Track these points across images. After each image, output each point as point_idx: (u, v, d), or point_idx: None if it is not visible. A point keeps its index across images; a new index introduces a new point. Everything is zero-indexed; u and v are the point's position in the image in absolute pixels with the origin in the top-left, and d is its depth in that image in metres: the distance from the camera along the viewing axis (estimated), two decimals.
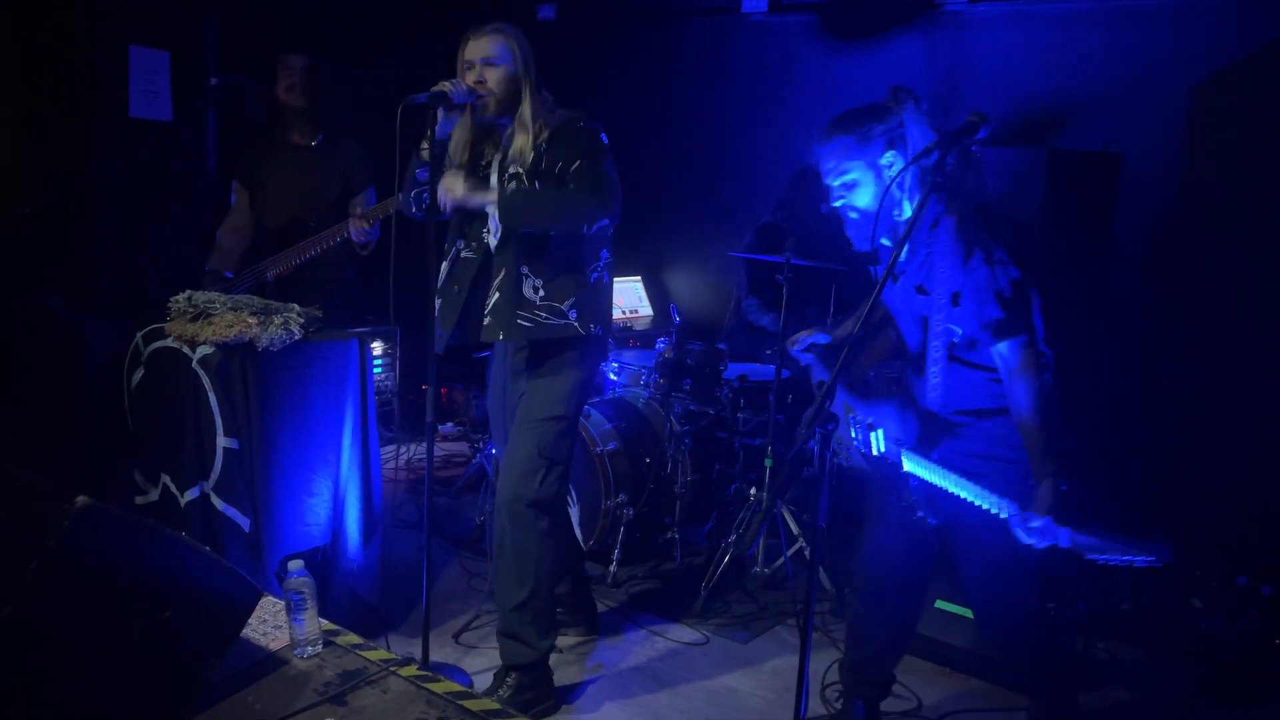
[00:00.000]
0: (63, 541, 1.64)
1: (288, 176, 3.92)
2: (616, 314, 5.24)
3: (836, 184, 2.41)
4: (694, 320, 5.14)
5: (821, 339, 2.80)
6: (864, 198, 2.38)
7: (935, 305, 2.33)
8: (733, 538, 3.87)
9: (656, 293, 5.72)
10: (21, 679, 1.67)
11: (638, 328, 5.41)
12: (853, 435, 2.59)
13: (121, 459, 3.18)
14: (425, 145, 2.82)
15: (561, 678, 3.10)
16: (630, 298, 5.50)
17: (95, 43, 4.15)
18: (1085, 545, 2.10)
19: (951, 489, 2.29)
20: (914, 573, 2.71)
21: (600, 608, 3.59)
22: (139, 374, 2.98)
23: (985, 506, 2.23)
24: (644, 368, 4.42)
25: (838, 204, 2.43)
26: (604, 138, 2.85)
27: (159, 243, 4.25)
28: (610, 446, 3.95)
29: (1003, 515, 2.20)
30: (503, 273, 2.88)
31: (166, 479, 2.91)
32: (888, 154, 2.36)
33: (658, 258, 5.79)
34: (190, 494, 2.84)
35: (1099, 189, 3.66)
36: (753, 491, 4.03)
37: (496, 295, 2.90)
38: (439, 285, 2.96)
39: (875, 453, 2.49)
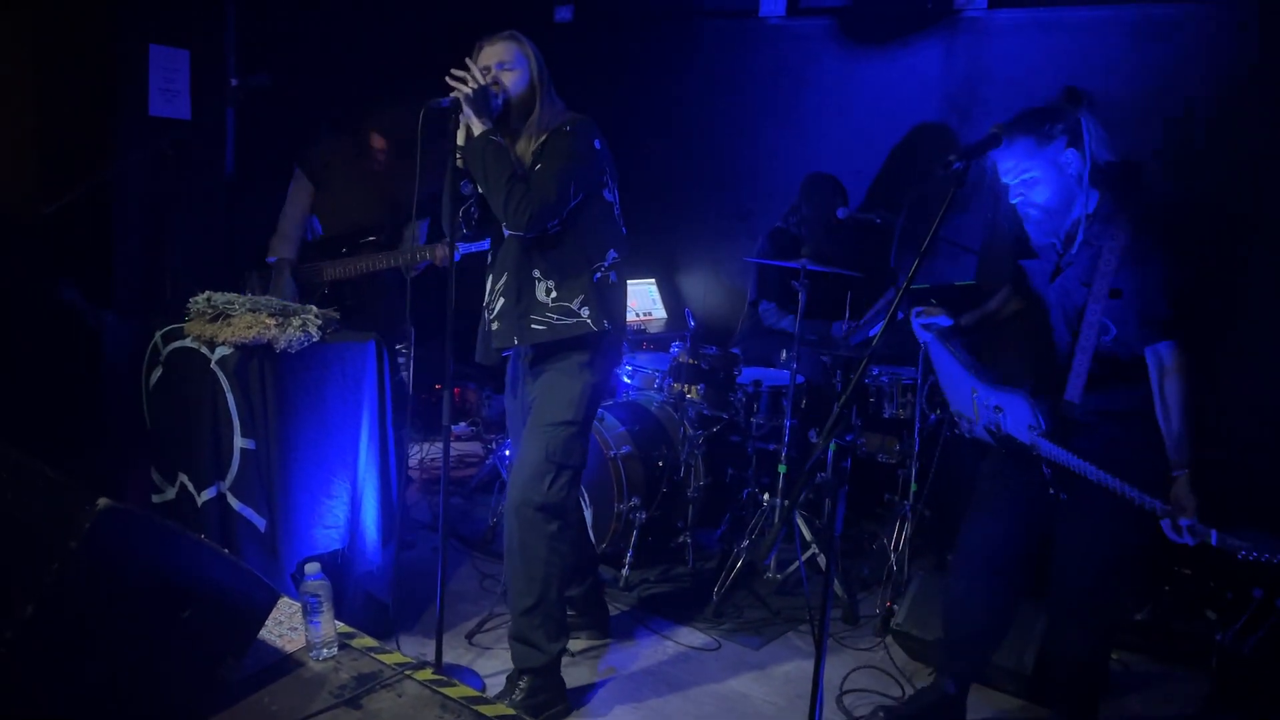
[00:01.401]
0: (85, 542, 1.65)
1: (364, 188, 3.92)
2: (631, 316, 5.24)
3: (1016, 182, 2.48)
4: (707, 323, 5.14)
5: (945, 321, 2.87)
6: (1044, 194, 2.46)
7: (1095, 298, 2.41)
8: (745, 543, 3.87)
9: (670, 295, 5.72)
10: (43, 678, 1.69)
11: (651, 330, 5.41)
12: (974, 414, 2.68)
13: (138, 457, 3.20)
14: (457, 156, 2.83)
15: (573, 681, 3.11)
16: (644, 300, 5.50)
17: (116, 41, 4.17)
18: (1233, 545, 2.23)
19: (1092, 476, 2.38)
20: (1018, 557, 2.75)
21: (612, 611, 3.60)
22: (157, 373, 3.00)
23: (1130, 498, 2.33)
24: (658, 371, 4.43)
25: (1016, 201, 2.51)
26: (592, 143, 2.85)
27: (176, 241, 4.26)
28: (624, 450, 3.96)
29: (1150, 508, 2.31)
30: (505, 276, 2.90)
31: (184, 478, 2.92)
32: (1067, 152, 2.43)
33: (672, 260, 5.79)
34: (207, 494, 2.85)
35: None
36: (765, 496, 4.03)
37: (501, 301, 2.91)
38: (485, 300, 3.01)
39: (1001, 432, 2.58)
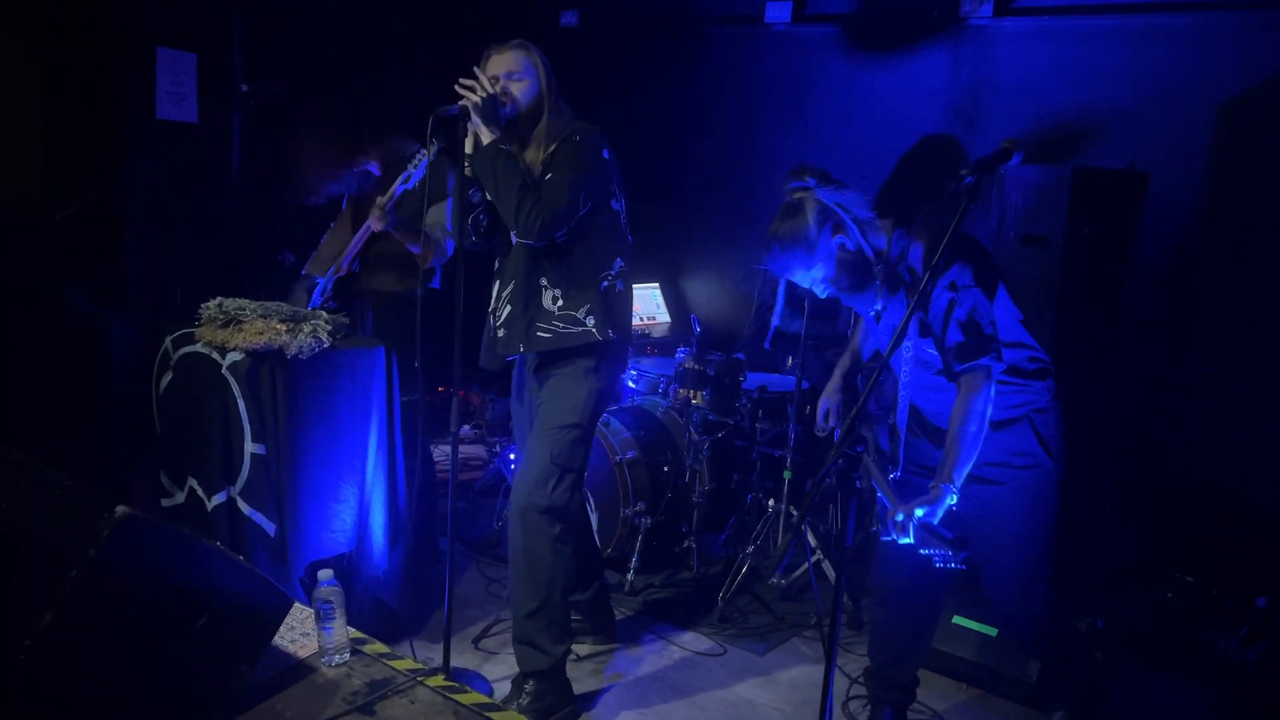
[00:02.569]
0: (103, 551, 1.66)
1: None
2: (635, 320, 5.25)
3: (817, 286, 2.55)
4: (712, 329, 5.15)
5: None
6: (844, 280, 2.52)
7: (909, 334, 2.45)
8: (750, 548, 3.88)
9: (675, 300, 5.73)
10: (61, 685, 1.70)
11: (655, 334, 5.42)
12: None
13: (147, 461, 3.21)
14: (467, 163, 2.83)
15: (579, 685, 3.12)
16: (648, 305, 5.51)
17: (123, 44, 4.18)
18: (920, 539, 2.16)
19: (880, 491, 2.32)
20: (929, 581, 2.75)
21: (617, 615, 3.61)
22: (168, 378, 3.01)
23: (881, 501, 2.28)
24: (663, 376, 4.44)
25: (826, 297, 2.59)
26: (601, 152, 2.86)
27: (184, 244, 4.28)
28: (629, 455, 3.97)
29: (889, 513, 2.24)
30: (512, 284, 2.92)
31: (193, 483, 2.94)
32: (836, 237, 2.47)
33: (677, 265, 5.80)
34: (217, 498, 2.87)
35: (1123, 207, 3.67)
36: (770, 502, 4.04)
37: (509, 308, 2.93)
38: (491, 307, 3.03)
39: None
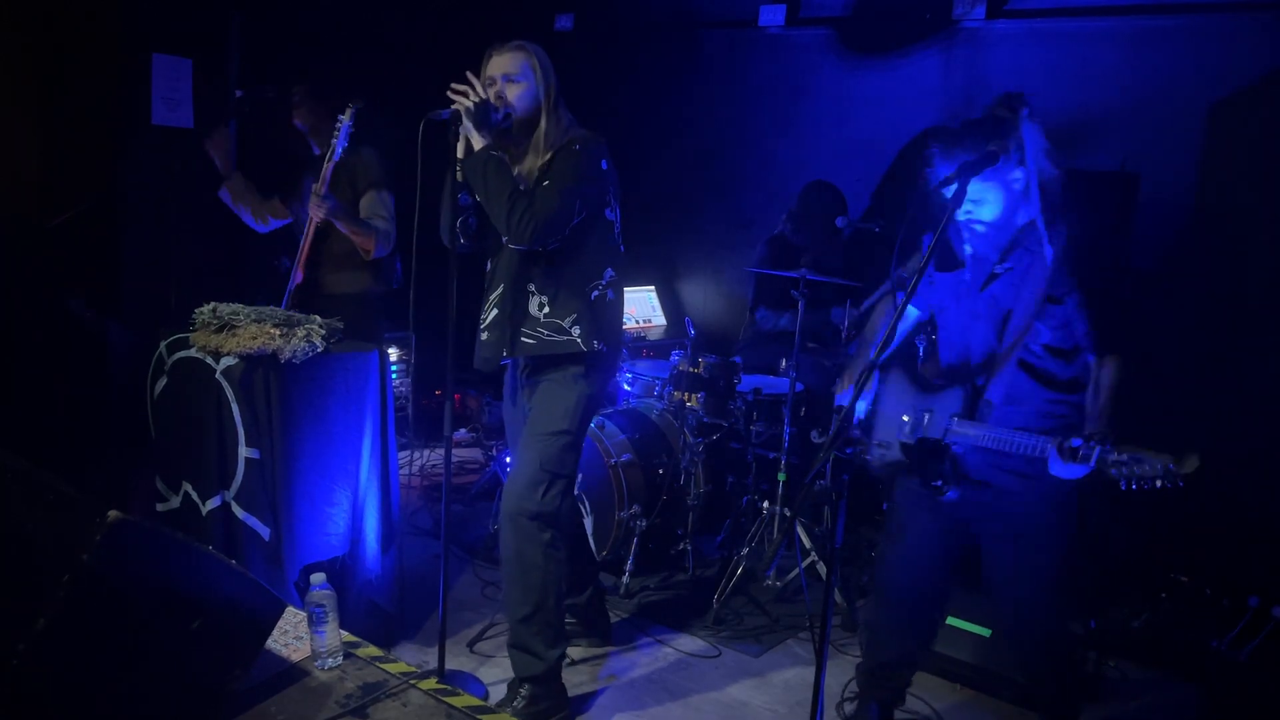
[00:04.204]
0: (96, 555, 1.67)
1: (311, 188, 3.94)
2: (630, 324, 5.26)
3: (1004, 188, 2.44)
4: (707, 331, 5.17)
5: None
6: (991, 212, 2.44)
7: (1024, 304, 2.43)
8: (745, 550, 3.89)
9: (670, 303, 5.75)
10: (54, 689, 1.71)
11: (651, 337, 5.44)
12: (902, 434, 2.65)
13: (142, 466, 3.22)
14: (458, 168, 2.81)
15: (574, 688, 3.13)
16: (643, 307, 5.53)
17: (119, 50, 4.19)
18: (1113, 460, 2.20)
19: (992, 445, 2.40)
20: (937, 583, 2.76)
21: (613, 618, 3.62)
22: (162, 383, 3.02)
23: (1026, 450, 2.33)
24: (658, 379, 4.45)
25: (962, 217, 2.48)
26: (600, 163, 2.83)
27: (179, 250, 4.28)
28: (624, 458, 3.98)
29: (1042, 454, 2.31)
30: (500, 288, 2.92)
31: (188, 487, 2.94)
32: (1017, 170, 2.40)
33: (671, 267, 5.82)
34: (211, 503, 2.87)
35: (1116, 208, 3.68)
36: (765, 504, 4.05)
37: (495, 312, 2.93)
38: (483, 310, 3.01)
39: (921, 435, 2.57)
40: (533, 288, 2.88)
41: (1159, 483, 2.17)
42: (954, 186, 2.22)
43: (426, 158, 2.73)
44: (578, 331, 2.87)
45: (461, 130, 2.78)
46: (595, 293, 2.91)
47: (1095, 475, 2.24)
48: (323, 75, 3.98)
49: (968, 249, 2.60)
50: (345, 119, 3.59)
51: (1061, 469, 2.29)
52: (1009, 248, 2.50)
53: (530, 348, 2.89)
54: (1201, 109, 3.89)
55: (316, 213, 3.65)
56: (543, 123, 2.85)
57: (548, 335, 2.87)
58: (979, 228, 2.50)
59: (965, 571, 2.78)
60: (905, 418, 2.65)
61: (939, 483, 2.51)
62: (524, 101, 2.84)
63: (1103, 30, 4.16)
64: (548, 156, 2.83)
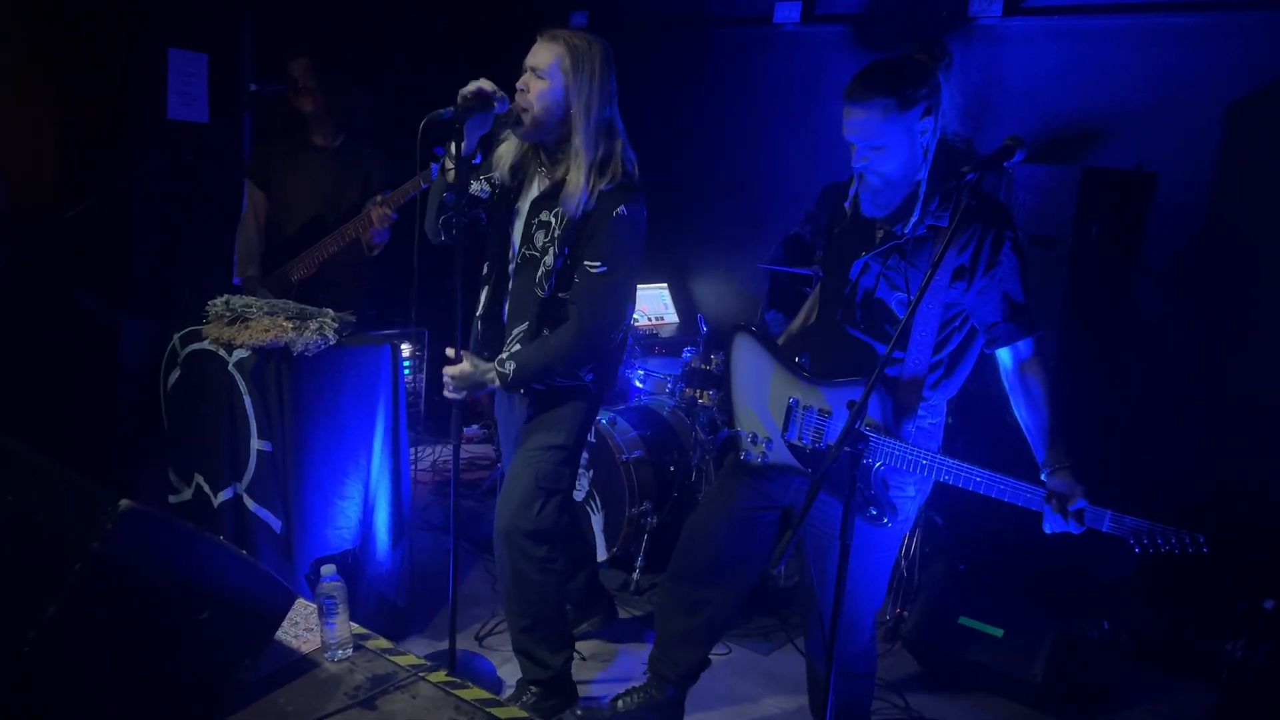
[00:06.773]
0: (107, 544, 1.68)
1: (309, 178, 3.88)
2: (642, 321, 5.27)
3: (864, 145, 2.22)
4: (720, 329, 5.15)
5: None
6: (891, 164, 2.21)
7: (935, 285, 2.19)
8: None
9: (683, 300, 5.74)
10: (64, 678, 1.71)
11: (663, 335, 5.42)
12: (778, 429, 2.46)
13: (154, 457, 3.23)
14: (449, 165, 2.59)
15: (584, 686, 3.13)
16: (656, 305, 5.52)
17: (135, 45, 4.22)
18: (1131, 527, 2.07)
19: (975, 486, 2.17)
20: (741, 566, 2.68)
21: (623, 615, 3.61)
22: (175, 375, 3.03)
23: (1022, 501, 2.15)
24: (670, 376, 4.44)
25: (859, 165, 2.25)
26: (640, 227, 2.65)
27: (193, 243, 4.30)
28: (635, 454, 3.97)
29: (1030, 503, 2.15)
30: (524, 324, 2.73)
31: (200, 479, 2.96)
32: (924, 120, 2.19)
33: (685, 265, 5.81)
34: (223, 495, 2.88)
35: (1131, 207, 3.66)
36: None
37: (517, 348, 2.74)
38: (479, 310, 2.89)
39: (817, 443, 2.37)
40: (549, 333, 2.71)
41: (1177, 550, 2.07)
42: (971, 177, 2.05)
43: (426, 157, 2.61)
44: (590, 379, 2.80)
45: (464, 128, 2.50)
46: (619, 335, 2.81)
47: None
48: (325, 55, 3.92)
49: (861, 207, 2.36)
50: (448, 160, 3.08)
51: (1059, 526, 2.15)
52: (901, 214, 2.26)
53: (541, 389, 2.78)
54: (1220, 108, 3.85)
55: (381, 223, 3.64)
56: (577, 133, 2.56)
57: (559, 381, 2.76)
58: (874, 179, 2.25)
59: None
60: (789, 399, 2.43)
61: (874, 511, 2.28)
62: (544, 102, 2.57)
63: (1120, 28, 4.13)
64: (594, 198, 2.58)
